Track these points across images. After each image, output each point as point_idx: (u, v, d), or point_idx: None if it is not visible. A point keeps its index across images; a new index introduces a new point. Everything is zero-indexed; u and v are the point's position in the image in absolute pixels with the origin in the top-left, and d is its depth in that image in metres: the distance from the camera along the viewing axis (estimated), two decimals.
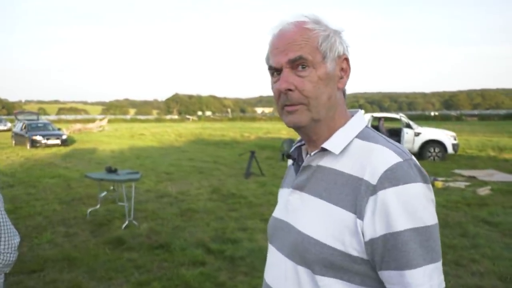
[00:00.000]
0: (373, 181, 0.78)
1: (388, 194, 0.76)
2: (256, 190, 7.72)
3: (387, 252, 0.77)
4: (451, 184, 8.23)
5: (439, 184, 8.07)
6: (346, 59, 0.89)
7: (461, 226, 5.27)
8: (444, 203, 6.53)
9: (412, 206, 0.76)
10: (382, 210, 0.77)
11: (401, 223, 0.75)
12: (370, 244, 0.78)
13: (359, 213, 0.79)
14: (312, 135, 0.90)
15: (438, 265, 0.78)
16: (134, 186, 5.69)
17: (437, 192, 7.45)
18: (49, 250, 4.40)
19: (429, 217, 0.78)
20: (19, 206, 6.38)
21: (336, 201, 0.83)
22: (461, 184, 8.25)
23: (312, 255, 0.83)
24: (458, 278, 3.67)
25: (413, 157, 0.83)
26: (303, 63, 0.83)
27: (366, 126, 0.91)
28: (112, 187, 6.41)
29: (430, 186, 0.82)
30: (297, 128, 0.88)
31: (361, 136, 0.87)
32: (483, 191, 7.46)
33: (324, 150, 0.88)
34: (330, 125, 0.89)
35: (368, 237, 0.78)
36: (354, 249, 0.80)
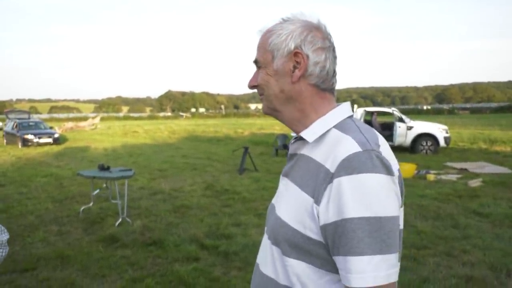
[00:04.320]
0: (332, 169, 0.82)
1: (342, 182, 0.79)
2: (250, 185, 7.73)
3: (337, 238, 0.80)
4: (443, 177, 8.31)
5: (431, 177, 8.15)
6: (299, 53, 0.91)
7: (453, 217, 5.33)
8: (436, 195, 6.59)
9: (364, 195, 0.78)
10: (335, 197, 0.80)
11: (351, 211, 0.78)
12: (324, 229, 0.82)
13: (316, 199, 0.83)
14: (286, 124, 0.99)
15: (389, 257, 0.78)
16: (127, 184, 5.66)
17: (429, 184, 7.54)
18: (41, 249, 4.38)
19: (382, 208, 0.78)
20: (11, 205, 6.32)
21: (303, 187, 0.88)
22: (453, 177, 8.33)
23: (280, 236, 0.90)
24: (450, 268, 3.72)
25: (379, 149, 0.84)
26: (258, 64, 0.97)
27: (349, 117, 0.93)
28: (105, 185, 6.38)
29: (393, 178, 0.82)
30: (266, 115, 1.02)
31: (339, 126, 0.90)
32: (475, 183, 7.54)
33: (303, 138, 0.93)
34: (300, 116, 0.95)
35: (322, 222, 0.82)
36: (313, 232, 0.85)
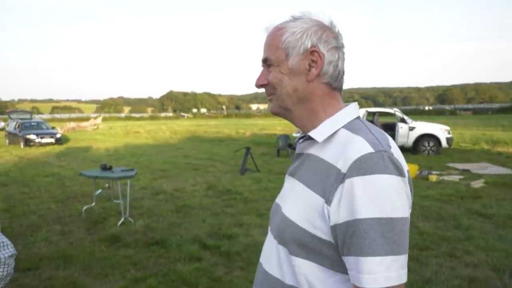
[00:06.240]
0: (344, 169, 0.81)
1: (354, 183, 0.79)
2: (252, 186, 7.73)
3: (348, 238, 0.79)
4: (445, 178, 8.29)
5: (433, 177, 8.13)
6: (316, 52, 0.90)
7: (455, 218, 5.31)
8: (438, 196, 6.58)
9: (376, 196, 0.77)
10: (347, 198, 0.79)
11: (363, 211, 0.77)
12: (334, 229, 0.82)
13: (327, 199, 0.83)
14: (295, 123, 0.98)
15: (400, 258, 0.78)
16: (129, 184, 5.67)
17: (431, 185, 7.52)
18: (44, 248, 4.38)
19: (394, 209, 0.78)
20: (13, 205, 6.34)
21: (313, 186, 0.88)
22: (455, 178, 8.31)
23: (288, 236, 0.89)
24: (452, 269, 3.71)
25: (391, 150, 0.83)
26: (269, 62, 0.94)
27: (357, 118, 0.93)
28: (107, 185, 6.39)
29: (405, 179, 0.82)
30: (275, 115, 0.99)
31: (348, 126, 0.90)
32: (477, 184, 7.52)
33: (311, 138, 0.93)
34: (310, 115, 0.94)
35: (333, 222, 0.82)
36: (323, 232, 0.84)
